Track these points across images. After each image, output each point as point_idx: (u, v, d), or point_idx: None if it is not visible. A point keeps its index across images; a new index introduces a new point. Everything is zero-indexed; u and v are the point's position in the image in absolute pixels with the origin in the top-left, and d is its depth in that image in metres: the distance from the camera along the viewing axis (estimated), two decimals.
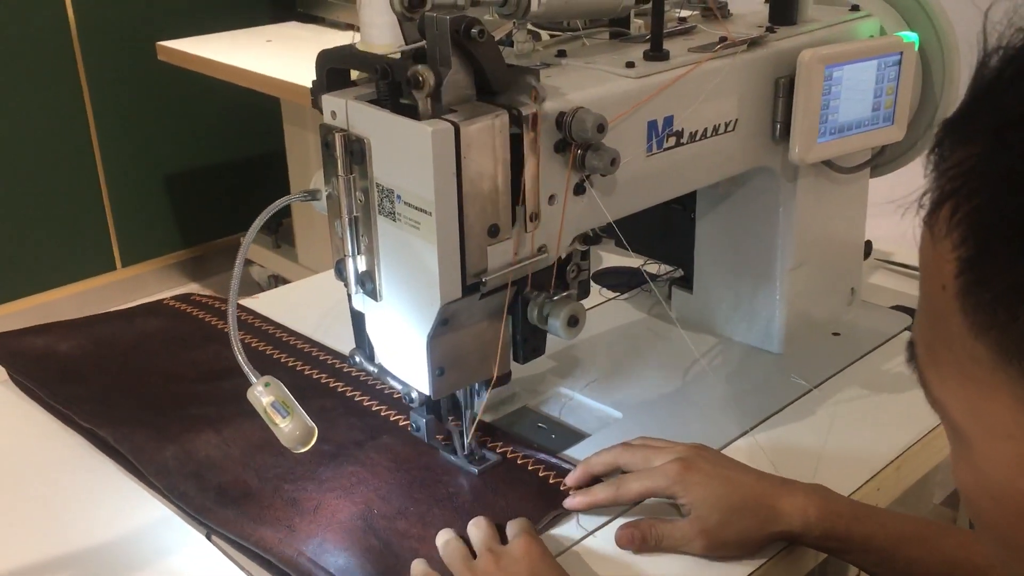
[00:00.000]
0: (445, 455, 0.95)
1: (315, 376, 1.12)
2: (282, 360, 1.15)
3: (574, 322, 0.85)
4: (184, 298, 1.35)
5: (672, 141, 0.92)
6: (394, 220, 0.80)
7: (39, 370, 1.11)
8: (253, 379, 0.78)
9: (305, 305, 1.29)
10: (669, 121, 0.91)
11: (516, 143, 0.80)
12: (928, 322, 0.47)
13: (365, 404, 1.05)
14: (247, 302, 1.32)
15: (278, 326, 1.24)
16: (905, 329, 1.16)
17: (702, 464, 0.86)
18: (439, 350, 0.84)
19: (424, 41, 0.83)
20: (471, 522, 0.84)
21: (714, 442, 0.95)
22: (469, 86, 0.80)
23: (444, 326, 0.82)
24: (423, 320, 0.81)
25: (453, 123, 0.75)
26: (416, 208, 0.77)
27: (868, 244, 1.20)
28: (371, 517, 0.87)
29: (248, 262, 3.26)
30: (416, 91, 0.76)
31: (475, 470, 0.93)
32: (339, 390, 1.08)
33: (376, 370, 0.91)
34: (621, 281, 1.29)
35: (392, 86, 0.80)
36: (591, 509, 0.88)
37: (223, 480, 0.93)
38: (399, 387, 0.90)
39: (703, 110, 0.93)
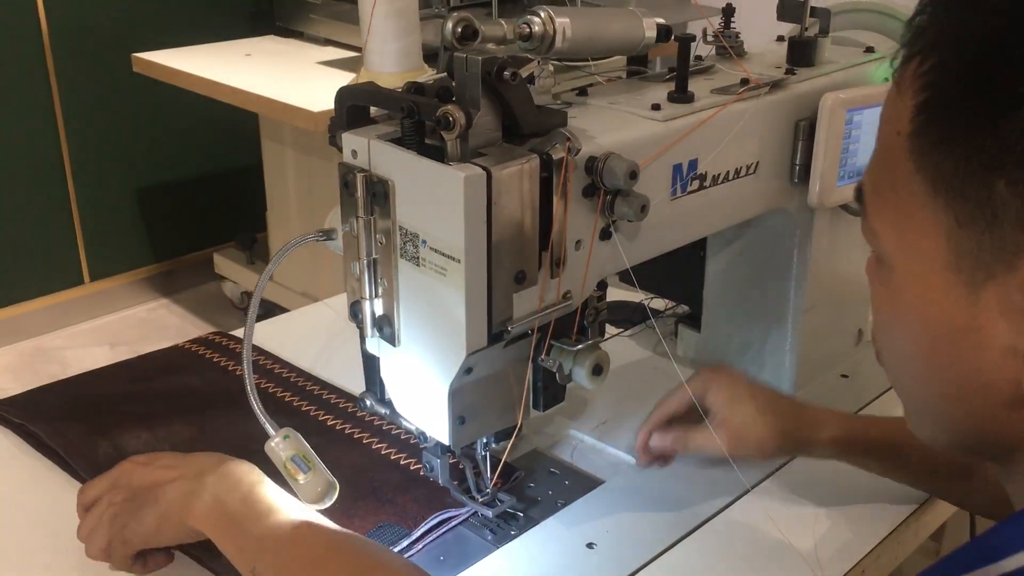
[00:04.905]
0: (457, 496, 0.92)
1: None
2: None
3: (599, 371, 0.83)
4: None
5: (696, 184, 0.90)
6: (417, 265, 0.77)
7: None
8: (271, 431, 0.75)
9: (300, 337, 1.26)
10: (693, 164, 0.89)
11: (543, 187, 0.78)
12: (879, 164, 0.57)
13: (295, 404, 1.09)
14: (236, 332, 1.28)
15: (269, 355, 1.21)
16: None
17: (729, 369, 0.96)
18: (460, 399, 0.81)
19: (443, 75, 0.81)
20: None
21: (733, 491, 0.94)
22: (496, 128, 0.77)
23: (467, 375, 0.79)
24: (446, 369, 0.78)
25: (484, 168, 0.73)
26: (443, 255, 0.74)
27: None
28: None
29: (220, 278, 3.21)
30: (446, 132, 0.73)
31: (490, 513, 0.91)
32: (277, 394, 1.11)
33: (387, 412, 0.89)
34: (624, 316, 1.27)
35: (416, 124, 0.77)
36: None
37: None
38: (411, 427, 0.88)
39: (726, 153, 0.92)
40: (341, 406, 1.08)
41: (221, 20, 3.17)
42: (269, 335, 1.24)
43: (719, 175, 0.92)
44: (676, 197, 0.89)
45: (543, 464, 1.00)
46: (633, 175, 0.78)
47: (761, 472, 0.98)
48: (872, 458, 0.93)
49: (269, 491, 0.80)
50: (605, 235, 0.83)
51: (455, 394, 0.80)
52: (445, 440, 0.83)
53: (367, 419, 1.05)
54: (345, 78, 2.52)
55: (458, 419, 0.82)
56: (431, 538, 0.88)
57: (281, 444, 0.75)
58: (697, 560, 0.87)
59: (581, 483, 0.97)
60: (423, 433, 0.86)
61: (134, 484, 0.82)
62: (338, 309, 1.33)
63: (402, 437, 1.01)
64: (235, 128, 3.08)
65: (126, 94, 3.07)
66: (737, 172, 0.94)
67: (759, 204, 0.99)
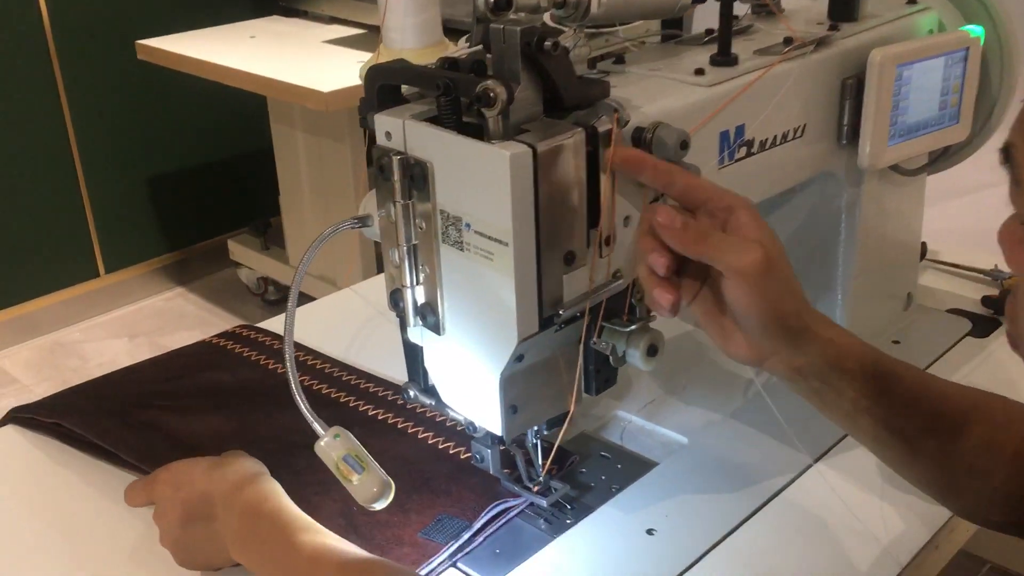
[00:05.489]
0: (508, 486, 0.89)
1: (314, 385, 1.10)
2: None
3: (654, 351, 0.79)
4: None
5: (743, 151, 0.86)
6: (461, 250, 0.74)
7: None
8: (320, 431, 0.72)
9: (331, 324, 1.22)
10: (741, 130, 0.85)
11: (589, 162, 0.74)
12: None
13: (333, 396, 1.05)
14: (261, 324, 1.25)
15: (300, 346, 1.17)
16: (967, 335, 1.12)
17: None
18: (512, 388, 0.77)
19: (479, 46, 0.77)
20: None
21: (794, 468, 0.91)
22: (537, 102, 0.73)
23: (518, 362, 0.76)
24: (496, 357, 0.75)
25: (529, 145, 0.69)
26: (489, 238, 0.71)
27: (923, 246, 1.16)
28: (351, 514, 0.85)
29: (236, 264, 3.18)
30: (486, 109, 0.69)
31: (544, 501, 0.88)
32: (313, 387, 1.08)
33: (433, 403, 0.85)
34: None
35: (452, 102, 0.73)
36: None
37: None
38: (459, 417, 0.85)
39: (772, 117, 0.87)
40: (380, 395, 1.05)
41: (223, 2, 3.12)
42: (298, 326, 1.20)
43: (766, 140, 0.88)
44: (724, 165, 0.85)
45: (593, 448, 0.97)
46: (684, 145, 0.74)
47: (821, 446, 0.94)
48: (857, 382, 0.73)
49: (291, 517, 0.78)
50: None
51: (506, 383, 0.77)
52: (498, 431, 0.79)
53: (409, 407, 1.01)
54: (353, 56, 2.48)
55: (510, 408, 0.78)
56: (492, 529, 0.85)
57: (332, 443, 0.72)
58: (765, 541, 0.84)
59: (634, 466, 0.93)
60: (472, 423, 0.83)
61: (168, 513, 0.81)
62: (366, 296, 1.30)
63: (448, 424, 0.98)
64: (244, 112, 3.04)
65: (131, 82, 3.03)
66: (784, 136, 0.90)
67: (807, 168, 0.95)
